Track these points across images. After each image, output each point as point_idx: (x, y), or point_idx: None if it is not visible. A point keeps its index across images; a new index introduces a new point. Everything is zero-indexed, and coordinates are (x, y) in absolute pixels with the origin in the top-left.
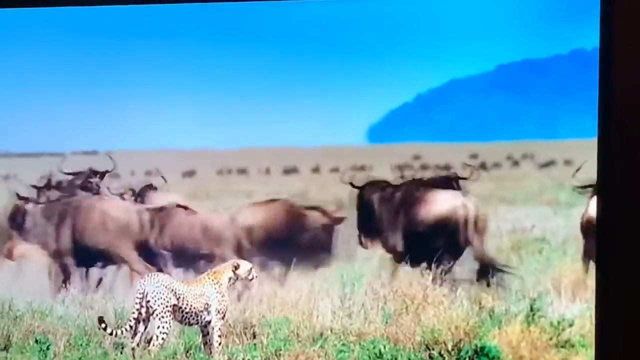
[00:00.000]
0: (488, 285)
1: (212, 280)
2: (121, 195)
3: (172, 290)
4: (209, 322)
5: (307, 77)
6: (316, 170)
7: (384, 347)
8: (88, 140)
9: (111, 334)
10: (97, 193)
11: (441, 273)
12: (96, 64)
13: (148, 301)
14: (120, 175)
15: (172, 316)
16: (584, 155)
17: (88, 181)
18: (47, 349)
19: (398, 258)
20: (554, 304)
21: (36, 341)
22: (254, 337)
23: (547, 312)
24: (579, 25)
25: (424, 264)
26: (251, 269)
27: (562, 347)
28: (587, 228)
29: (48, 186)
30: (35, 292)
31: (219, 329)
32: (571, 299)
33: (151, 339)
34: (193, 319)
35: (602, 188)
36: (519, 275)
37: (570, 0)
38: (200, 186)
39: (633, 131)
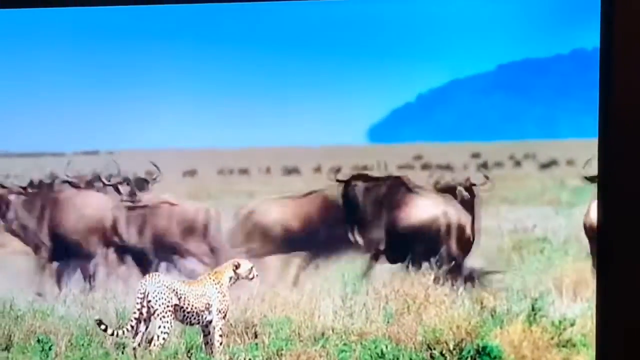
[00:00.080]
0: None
1: (213, 280)
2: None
3: (174, 290)
4: (210, 321)
5: (308, 77)
6: (317, 170)
7: (386, 347)
8: (89, 141)
9: (112, 334)
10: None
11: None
12: (97, 64)
13: (149, 301)
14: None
15: (173, 316)
16: (585, 155)
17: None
18: (49, 349)
19: (376, 255)
20: (556, 304)
21: (38, 341)
22: (256, 336)
23: (548, 311)
24: (580, 25)
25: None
26: (252, 268)
27: (563, 346)
28: (591, 229)
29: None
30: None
31: (220, 328)
32: (572, 298)
33: (152, 338)
34: (194, 318)
35: (602, 188)
36: (520, 275)
37: (570, 0)
38: (201, 186)
39: (633, 131)
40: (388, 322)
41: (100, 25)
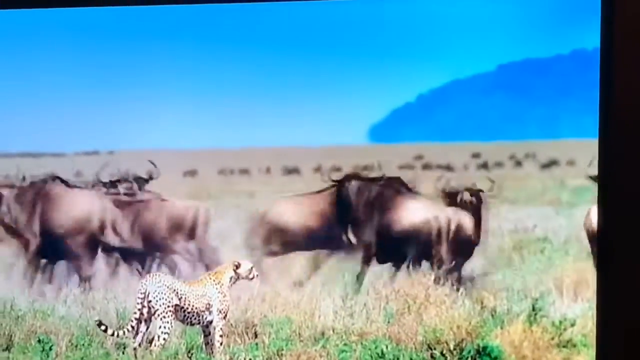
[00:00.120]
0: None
1: (214, 281)
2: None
3: (174, 290)
4: (211, 322)
5: (308, 77)
6: (318, 170)
7: (386, 347)
8: (89, 141)
9: (113, 334)
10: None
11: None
12: (97, 64)
13: (150, 301)
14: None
15: (173, 316)
16: (586, 155)
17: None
18: (50, 349)
19: (367, 258)
20: (556, 304)
21: (38, 341)
22: (256, 336)
23: (549, 311)
24: (580, 25)
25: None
26: (252, 268)
27: (564, 347)
28: (591, 233)
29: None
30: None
31: (221, 328)
32: (573, 298)
33: (153, 339)
34: (195, 319)
35: (603, 188)
36: (520, 275)
37: (570, 1)
38: (201, 186)
39: (634, 131)
40: (388, 322)
41: (101, 26)
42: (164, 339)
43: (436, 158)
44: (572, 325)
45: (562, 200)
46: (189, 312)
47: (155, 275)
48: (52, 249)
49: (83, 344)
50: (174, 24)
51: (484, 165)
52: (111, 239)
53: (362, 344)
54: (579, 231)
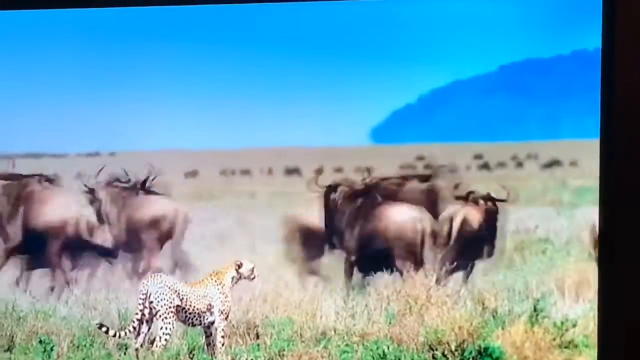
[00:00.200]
0: None
1: (215, 281)
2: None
3: (175, 291)
4: (213, 322)
5: (309, 78)
6: (319, 171)
7: (388, 348)
8: (90, 141)
9: (114, 335)
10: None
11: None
12: (98, 65)
13: (151, 302)
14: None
15: (175, 317)
16: (588, 155)
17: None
18: (51, 349)
19: (349, 269)
20: (558, 305)
21: (40, 342)
22: (257, 337)
23: (550, 312)
24: (581, 25)
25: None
26: (253, 268)
27: (565, 347)
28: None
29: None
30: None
31: (222, 329)
32: (574, 299)
33: (154, 339)
34: (196, 319)
35: (604, 188)
36: (522, 275)
37: (572, 1)
38: (203, 186)
39: (635, 131)
40: (390, 322)
41: (102, 27)
42: (166, 339)
43: (437, 159)
44: (574, 325)
45: (563, 201)
46: (190, 313)
47: (157, 275)
48: (33, 248)
49: (85, 345)
50: (175, 25)
51: (485, 166)
52: (96, 239)
53: (363, 344)
54: (581, 232)
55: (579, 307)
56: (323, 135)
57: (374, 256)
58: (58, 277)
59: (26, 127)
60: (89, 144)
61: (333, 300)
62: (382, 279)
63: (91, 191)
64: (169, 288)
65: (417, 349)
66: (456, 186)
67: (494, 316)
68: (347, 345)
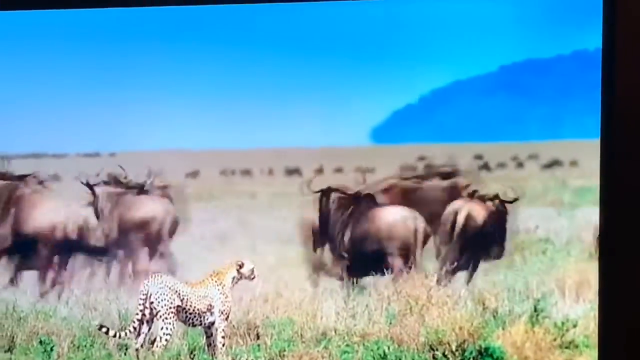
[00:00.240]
0: None
1: (215, 282)
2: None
3: (176, 291)
4: (213, 323)
5: (310, 78)
6: (320, 171)
7: (388, 348)
8: (91, 142)
9: (115, 335)
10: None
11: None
12: (99, 65)
13: (152, 302)
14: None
15: (175, 317)
16: (588, 155)
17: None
18: (51, 350)
19: (345, 272)
20: (558, 305)
21: (40, 342)
22: (258, 338)
23: (551, 312)
24: (582, 26)
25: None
26: (253, 268)
27: (566, 347)
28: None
29: None
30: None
31: (223, 329)
32: (575, 299)
33: (155, 340)
34: (196, 320)
35: (604, 188)
36: (522, 275)
37: (572, 1)
38: (203, 187)
39: (636, 131)
40: (390, 323)
41: (102, 27)
42: (166, 340)
43: (439, 159)
44: (574, 326)
45: (564, 201)
46: (190, 313)
47: (157, 276)
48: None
49: (85, 345)
50: (176, 25)
51: (486, 166)
52: (85, 241)
53: (364, 345)
54: (581, 232)
55: (579, 307)
56: (323, 135)
57: (369, 258)
58: (48, 279)
59: (27, 127)
60: (90, 144)
61: (334, 301)
62: (381, 280)
63: (89, 187)
64: (170, 288)
65: (417, 349)
66: (466, 186)
67: (494, 316)
68: (347, 345)
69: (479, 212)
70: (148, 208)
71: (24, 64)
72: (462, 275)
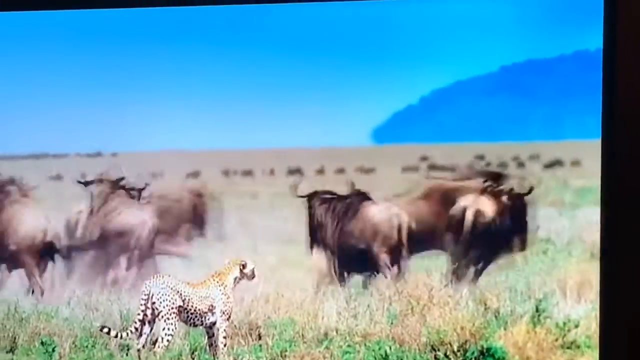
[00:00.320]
0: None
1: (217, 282)
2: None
3: (178, 291)
4: (214, 323)
5: (311, 78)
6: (321, 171)
7: (390, 348)
8: (91, 142)
9: (116, 336)
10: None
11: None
12: (100, 66)
13: (153, 302)
14: (125, 177)
15: (177, 318)
16: (590, 155)
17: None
18: (53, 350)
19: (336, 273)
20: (560, 305)
21: (42, 343)
22: (259, 338)
23: (552, 313)
24: (583, 26)
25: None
26: (254, 268)
27: (567, 348)
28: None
29: None
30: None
31: (224, 330)
32: (576, 299)
33: (157, 340)
34: (198, 320)
35: (606, 188)
36: (524, 276)
37: (573, 1)
38: (204, 187)
39: (637, 131)
40: (392, 323)
41: (103, 28)
42: (168, 340)
43: (440, 159)
44: (576, 326)
45: (565, 201)
46: (192, 314)
47: (159, 276)
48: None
49: (87, 346)
50: (177, 26)
51: (487, 166)
52: (64, 249)
53: (365, 345)
54: (582, 232)
55: (581, 307)
56: (325, 135)
57: (356, 256)
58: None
59: (27, 127)
60: (91, 145)
61: (335, 301)
62: (381, 280)
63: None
64: (171, 289)
65: (419, 349)
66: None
67: (496, 317)
68: (349, 345)
69: (489, 208)
70: (129, 217)
71: (24, 65)
72: (471, 273)
